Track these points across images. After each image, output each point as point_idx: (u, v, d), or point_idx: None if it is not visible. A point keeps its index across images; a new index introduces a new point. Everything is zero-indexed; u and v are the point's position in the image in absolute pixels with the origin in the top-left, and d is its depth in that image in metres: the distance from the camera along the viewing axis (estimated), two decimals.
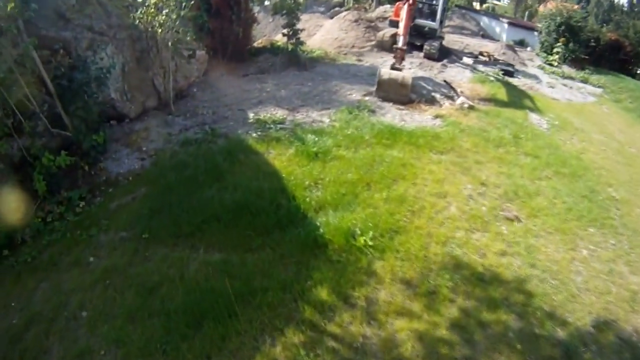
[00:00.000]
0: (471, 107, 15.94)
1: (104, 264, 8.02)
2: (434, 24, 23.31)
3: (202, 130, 12.67)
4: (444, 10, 23.90)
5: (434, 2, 24.05)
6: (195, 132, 12.56)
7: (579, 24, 29.21)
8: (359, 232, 8.36)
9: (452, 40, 27.49)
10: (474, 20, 38.76)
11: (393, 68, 16.01)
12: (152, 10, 12.48)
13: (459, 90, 17.76)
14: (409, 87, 15.48)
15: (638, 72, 33.89)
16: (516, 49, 29.11)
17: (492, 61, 24.07)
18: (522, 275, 7.92)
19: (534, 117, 17.02)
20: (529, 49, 32.47)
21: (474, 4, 54.91)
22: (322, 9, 39.62)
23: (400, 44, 16.11)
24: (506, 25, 38.03)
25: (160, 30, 12.70)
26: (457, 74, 20.26)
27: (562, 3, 31.76)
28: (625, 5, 65.03)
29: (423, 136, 13.02)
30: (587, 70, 28.46)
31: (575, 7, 31.21)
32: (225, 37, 19.10)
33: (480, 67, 22.61)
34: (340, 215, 8.84)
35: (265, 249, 8.05)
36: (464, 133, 13.83)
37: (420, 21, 22.65)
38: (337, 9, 38.13)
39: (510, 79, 21.89)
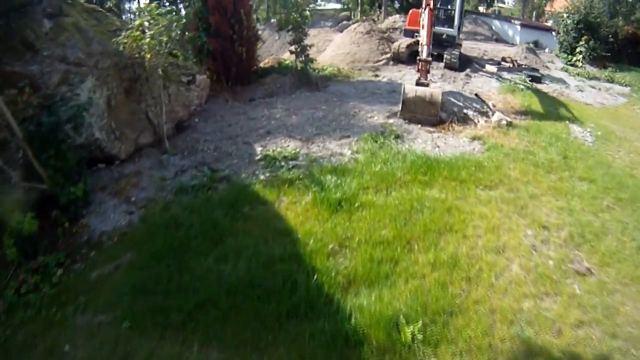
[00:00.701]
0: (509, 124, 13.27)
1: (80, 357, 6.28)
2: (452, 31, 20.59)
3: (201, 172, 10.35)
4: (461, 15, 21.14)
5: (450, 6, 21.37)
6: (193, 175, 10.25)
7: (598, 20, 26.36)
8: (403, 319, 6.15)
9: (468, 47, 24.77)
10: (485, 25, 36.13)
11: (418, 83, 13.41)
12: (137, 33, 10.45)
13: (491, 103, 15.02)
14: (438, 105, 12.87)
15: None
16: (538, 51, 26.25)
17: (516, 67, 21.36)
18: (604, 351, 6.13)
19: (575, 128, 14.50)
20: (547, 50, 29.80)
21: (480, 8, 52.02)
22: (329, 24, 37.17)
23: (424, 54, 13.59)
24: (519, 28, 35.48)
25: (149, 55, 10.57)
26: (484, 84, 17.57)
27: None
28: None
29: (465, 167, 10.45)
30: (610, 69, 26.18)
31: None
32: (228, 58, 16.60)
33: (505, 74, 19.92)
34: (377, 295, 6.62)
35: (278, 348, 5.93)
36: (509, 158, 11.28)
37: (437, 28, 19.86)
38: (345, 22, 35.67)
39: (539, 85, 19.32)
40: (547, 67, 23.94)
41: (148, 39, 10.35)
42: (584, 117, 16.02)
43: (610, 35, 27.56)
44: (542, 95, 17.51)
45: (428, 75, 13.68)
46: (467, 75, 18.68)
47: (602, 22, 26.76)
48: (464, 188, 9.58)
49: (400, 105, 13.11)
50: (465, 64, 20.66)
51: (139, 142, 11.28)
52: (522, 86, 17.68)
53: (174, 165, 10.76)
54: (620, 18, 29.49)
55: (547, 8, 56.03)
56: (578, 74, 23.42)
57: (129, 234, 8.59)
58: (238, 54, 16.72)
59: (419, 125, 12.95)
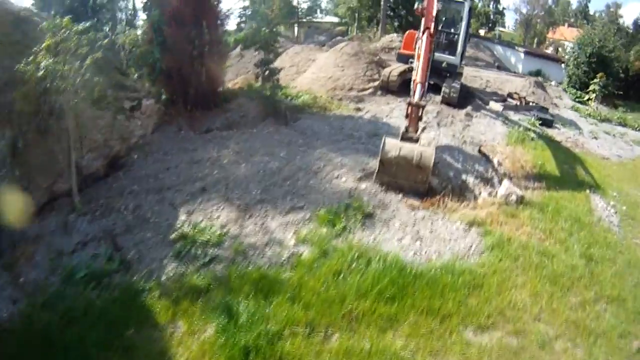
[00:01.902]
0: (520, 201, 9.25)
1: None
2: (454, 59, 16.24)
3: (104, 249, 7.43)
4: (466, 40, 16.79)
5: (453, 30, 17.12)
6: (91, 254, 7.36)
7: (612, 54, 22.16)
8: None
9: (469, 76, 20.48)
10: (487, 50, 31.98)
11: (404, 137, 9.32)
12: (43, 57, 7.70)
13: (496, 160, 10.86)
14: (429, 170, 8.84)
15: None
16: (544, 84, 22.03)
17: (524, 105, 17.12)
18: None
19: (597, 202, 10.67)
20: (553, 83, 25.63)
21: (480, 31, 47.74)
22: (323, 38, 32.91)
23: (416, 96, 9.57)
24: (522, 55, 31.35)
25: (63, 84, 7.70)
26: (488, 129, 13.43)
27: (581, 29, 24.86)
28: (631, 27, 57.75)
29: (453, 287, 6.64)
30: (620, 108, 22.48)
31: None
32: (186, 78, 12.51)
33: (512, 114, 15.80)
34: None
35: None
36: (517, 267, 7.40)
37: (437, 55, 15.45)
38: (339, 37, 31.44)
39: (550, 131, 15.31)
40: (555, 104, 19.80)
41: (60, 65, 7.68)
42: (604, 178, 12.37)
43: (621, 71, 23.34)
44: (556, 148, 13.43)
45: (419, 123, 9.44)
46: (467, 114, 14.42)
47: (616, 56, 22.54)
48: (445, 331, 5.93)
49: (377, 166, 8.91)
50: (465, 98, 16.39)
51: (56, 189, 8.66)
52: (532, 134, 13.48)
53: (78, 232, 7.87)
54: (632, 53, 25.32)
55: (549, 35, 52.04)
56: (589, 115, 19.55)
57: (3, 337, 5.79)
58: (197, 74, 12.61)
59: (400, 195, 8.92)
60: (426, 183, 8.88)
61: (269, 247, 7.28)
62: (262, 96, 12.98)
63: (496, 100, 16.75)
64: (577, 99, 22.30)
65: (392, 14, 33.89)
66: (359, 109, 13.87)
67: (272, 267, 6.88)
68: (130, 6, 32.87)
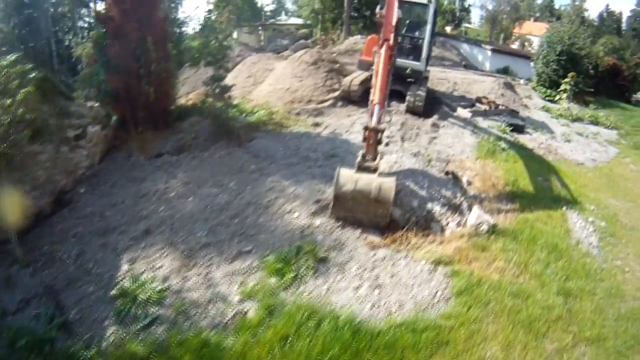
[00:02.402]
0: (492, 230, 8.32)
1: None
2: (419, 64, 15.22)
3: (44, 309, 6.52)
4: (431, 44, 15.77)
5: (418, 33, 16.08)
6: (34, 313, 6.53)
7: (582, 52, 21.46)
8: None
9: (435, 78, 19.57)
10: (454, 49, 31.24)
11: (361, 167, 8.14)
12: None
13: (465, 180, 9.87)
14: (389, 204, 7.79)
15: (633, 97, 28.09)
16: (513, 83, 21.23)
17: (493, 109, 16.18)
18: None
19: (575, 220, 9.83)
20: (522, 81, 24.95)
21: (447, 28, 47.07)
22: (286, 42, 31.73)
23: (373, 120, 8.39)
24: (489, 53, 30.79)
25: None
26: (456, 140, 12.50)
27: (547, 24, 24.22)
28: (596, 20, 58.01)
29: (413, 348, 5.70)
30: (591, 106, 22.06)
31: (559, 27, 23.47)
32: (134, 99, 11.27)
33: (481, 120, 14.93)
34: None
35: None
36: (488, 314, 6.48)
37: (400, 61, 14.47)
38: (302, 41, 30.31)
39: (522, 137, 14.58)
40: (526, 105, 19.08)
41: None
42: (581, 190, 11.64)
43: (591, 68, 22.71)
44: (528, 158, 12.61)
45: (378, 148, 8.33)
46: (434, 125, 13.43)
47: (586, 53, 21.86)
48: None
49: (332, 201, 7.82)
50: (432, 104, 15.43)
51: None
52: (503, 144, 12.57)
53: (21, 288, 6.97)
54: (601, 48, 24.75)
55: (516, 30, 51.70)
56: (561, 115, 18.96)
57: None
58: (145, 94, 11.35)
59: (358, 232, 7.89)
60: (387, 217, 7.88)
61: (212, 305, 6.30)
62: (214, 116, 11.64)
63: (464, 106, 15.82)
64: (547, 98, 21.82)
65: (356, 14, 32.83)
66: (317, 124, 12.75)
67: (215, 331, 5.91)
68: (93, 14, 31.29)
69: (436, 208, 8.54)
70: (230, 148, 11.16)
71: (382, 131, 8.19)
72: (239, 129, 11.81)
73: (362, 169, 7.96)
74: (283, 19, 43.65)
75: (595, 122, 19.30)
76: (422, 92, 14.20)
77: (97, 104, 11.43)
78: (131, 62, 11.03)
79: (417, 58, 15.23)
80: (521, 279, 7.30)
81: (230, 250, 7.36)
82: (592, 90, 23.19)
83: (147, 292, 6.50)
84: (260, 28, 41.32)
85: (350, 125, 12.80)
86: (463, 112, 14.93)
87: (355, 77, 14.87)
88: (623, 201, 11.86)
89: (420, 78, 15.21)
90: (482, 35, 52.93)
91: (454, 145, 12.09)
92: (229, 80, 16.93)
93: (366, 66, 15.02)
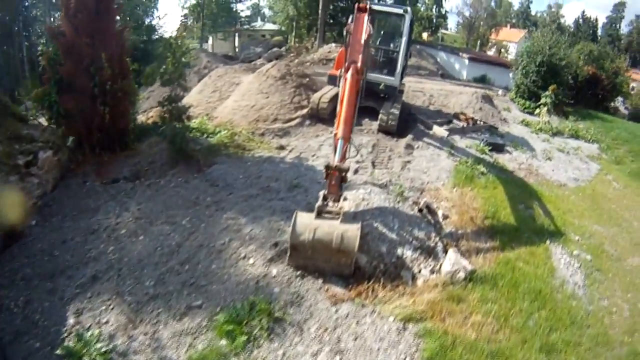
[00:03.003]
0: (470, 277, 7.52)
1: None
2: (393, 80, 14.37)
3: None
4: (407, 57, 14.84)
5: (392, 45, 15.25)
6: None
7: (562, 62, 20.86)
8: None
9: (411, 90, 18.82)
10: (431, 58, 30.51)
11: (322, 212, 7.14)
12: None
13: (441, 213, 9.01)
14: (353, 254, 6.89)
15: (612, 105, 27.96)
16: (491, 95, 20.52)
17: (471, 125, 15.33)
18: None
19: (559, 256, 9.19)
20: (500, 92, 24.31)
21: (423, 34, 46.48)
22: (259, 49, 30.72)
23: (336, 158, 7.40)
24: (467, 61, 30.19)
25: None
26: (431, 165, 11.67)
27: (532, 33, 23.69)
28: (572, 26, 58.25)
29: None
30: (571, 117, 21.55)
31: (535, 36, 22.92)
32: (88, 120, 10.37)
33: (459, 139, 14.12)
34: None
35: None
36: None
37: (373, 76, 13.57)
38: (275, 49, 29.34)
39: (501, 157, 13.91)
40: (504, 120, 18.40)
41: None
42: (564, 216, 11.09)
43: (570, 78, 22.14)
44: (509, 182, 11.87)
45: (340, 190, 7.35)
46: (408, 146, 12.57)
47: (566, 64, 21.26)
48: None
49: (289, 251, 6.86)
50: (406, 121, 14.62)
51: None
52: (482, 167, 11.80)
53: None
54: (578, 55, 24.25)
55: (493, 36, 51.48)
56: (541, 129, 18.33)
57: None
58: (100, 115, 10.48)
59: (320, 281, 7.01)
60: (351, 266, 7.01)
61: None
62: (171, 141, 10.58)
63: (441, 123, 15.00)
64: (526, 110, 21.20)
65: (331, 21, 31.90)
66: (282, 147, 11.79)
67: None
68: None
69: (407, 253, 7.62)
70: (188, 174, 10.26)
71: (347, 170, 7.18)
72: (199, 153, 10.93)
73: (322, 213, 6.97)
74: (259, 24, 42.53)
75: (575, 136, 18.83)
76: (395, 111, 13.33)
77: (50, 125, 10.54)
78: (85, 81, 10.15)
79: (392, 73, 14.39)
80: (501, 335, 6.52)
81: (179, 305, 6.49)
82: (572, 101, 22.59)
83: (92, 353, 5.72)
84: (236, 34, 40.24)
85: (317, 147, 11.90)
86: (439, 131, 14.08)
87: (325, 94, 13.94)
88: (608, 226, 11.39)
89: (394, 94, 14.31)
90: (458, 42, 52.65)
91: (429, 170, 11.24)
92: (193, 94, 15.93)
93: (336, 81, 14.09)
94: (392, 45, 15.33)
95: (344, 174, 7.28)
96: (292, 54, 27.58)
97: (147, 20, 27.83)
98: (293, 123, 13.23)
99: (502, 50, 52.03)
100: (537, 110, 19.61)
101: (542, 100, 19.32)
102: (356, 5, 9.22)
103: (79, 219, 8.74)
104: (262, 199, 9.15)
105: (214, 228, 8.17)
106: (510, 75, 24.95)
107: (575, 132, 19.02)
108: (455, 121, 15.81)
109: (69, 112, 10.20)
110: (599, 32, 62.25)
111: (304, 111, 13.73)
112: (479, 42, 49.21)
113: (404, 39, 14.13)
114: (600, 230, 10.90)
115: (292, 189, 9.46)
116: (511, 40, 54.47)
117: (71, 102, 10.09)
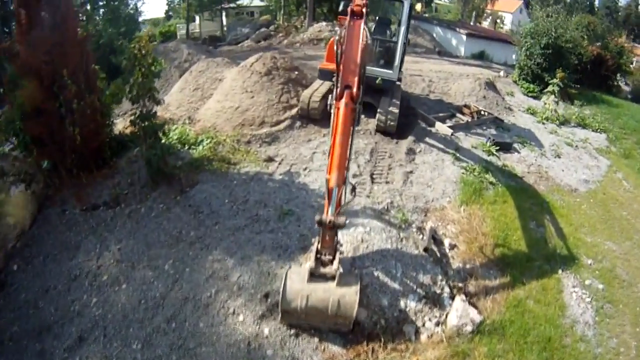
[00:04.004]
0: (478, 330, 6.86)
1: None
2: (391, 73, 13.00)
3: None
4: (405, 46, 13.43)
5: (389, 32, 14.12)
6: None
7: (569, 45, 19.71)
8: None
9: (409, 73, 17.74)
10: (427, 34, 29.23)
11: (315, 274, 6.19)
12: None
13: (447, 243, 8.26)
14: (351, 319, 6.17)
15: (616, 84, 26.97)
16: (493, 79, 19.41)
17: (476, 119, 14.38)
18: None
19: (570, 289, 8.48)
20: (502, 73, 23.18)
21: (417, 6, 44.78)
22: (247, 30, 29.21)
23: (329, 211, 6.11)
24: (464, 37, 28.92)
25: None
26: (435, 175, 10.81)
27: (537, 12, 22.41)
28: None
29: None
30: (576, 101, 20.76)
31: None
32: (60, 143, 9.47)
33: (463, 137, 13.30)
34: None
35: None
36: None
37: (369, 69, 12.25)
38: (263, 29, 27.87)
39: (509, 158, 12.92)
40: (509, 108, 17.37)
41: None
42: (576, 234, 10.27)
43: (575, 60, 21.05)
44: (519, 193, 10.96)
45: (335, 253, 6.32)
46: (409, 150, 11.61)
47: (573, 46, 20.11)
48: None
49: (280, 313, 6.07)
50: (406, 116, 13.48)
51: None
52: (490, 176, 11.01)
53: None
54: (585, 38, 23.12)
55: (489, 7, 49.89)
56: (547, 119, 17.34)
57: None
58: (71, 136, 9.44)
59: (316, 340, 6.37)
60: (349, 325, 6.29)
61: None
62: (148, 161, 9.54)
63: (443, 119, 13.96)
64: (529, 94, 20.22)
65: None
66: (270, 159, 10.76)
67: None
68: None
69: (411, 305, 6.84)
70: (169, 198, 9.39)
71: (343, 226, 6.12)
72: (180, 171, 10.07)
73: (315, 275, 6.00)
74: (246, 1, 40.58)
75: (582, 125, 18.02)
76: (395, 109, 12.22)
77: (20, 154, 9.73)
78: (49, 102, 9.22)
79: (389, 65, 13.10)
80: None
81: None
82: (578, 85, 21.55)
83: None
84: (223, 13, 38.45)
85: (309, 157, 10.92)
86: (443, 128, 13.07)
87: (316, 91, 12.76)
88: (620, 240, 10.68)
89: (393, 88, 13.13)
90: (452, 12, 51.05)
91: (434, 182, 10.32)
92: (174, 93, 14.77)
93: (329, 75, 12.93)
94: (388, 34, 14.06)
95: (334, 236, 6.24)
96: (280, 35, 26.27)
97: (125, 10, 26.54)
98: (282, 126, 12.13)
99: (498, 21, 50.54)
100: (544, 97, 18.53)
101: (550, 88, 18.21)
102: (349, 9, 7.38)
103: (61, 260, 8.21)
104: (250, 231, 8.31)
105: (199, 274, 7.45)
106: (514, 57, 23.83)
107: (582, 120, 18.19)
108: (458, 116, 14.74)
109: (37, 138, 9.35)
110: (596, 2, 60.56)
111: (294, 111, 12.61)
112: (474, 13, 47.55)
113: (403, 28, 12.80)
114: (612, 249, 10.18)
115: (283, 217, 8.57)
116: (507, 11, 53.05)
117: (38, 127, 9.24)
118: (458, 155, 11.78)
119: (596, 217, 11.38)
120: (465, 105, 15.32)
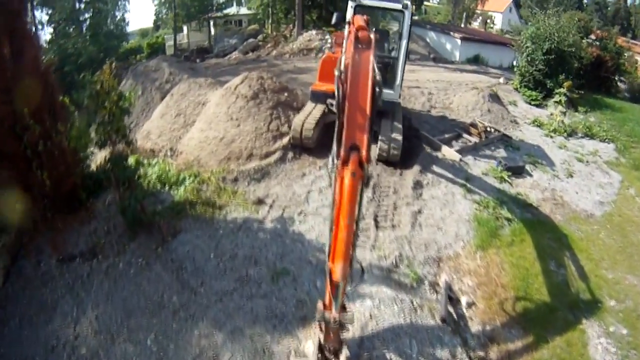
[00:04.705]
0: None
1: None
2: (392, 94, 11.91)
3: None
4: (405, 61, 12.04)
5: (387, 45, 12.88)
6: None
7: (572, 50, 18.73)
8: None
9: (407, 86, 16.53)
10: (421, 40, 28.28)
11: None
12: None
13: (465, 302, 7.40)
14: None
15: (614, 83, 25.84)
16: (495, 89, 18.41)
17: (484, 139, 13.48)
18: None
19: (595, 341, 7.63)
20: (502, 79, 22.21)
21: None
22: (234, 41, 28.05)
23: (334, 309, 4.88)
24: (459, 42, 28.07)
25: None
26: (446, 213, 9.82)
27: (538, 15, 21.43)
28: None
29: None
30: (580, 108, 19.68)
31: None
32: (30, 188, 8.52)
33: (472, 163, 12.20)
34: None
35: None
36: None
37: None
38: (251, 40, 26.73)
39: (521, 184, 11.87)
40: (515, 121, 16.39)
41: None
42: (597, 270, 9.39)
43: (576, 63, 20.14)
44: (535, 227, 10.01)
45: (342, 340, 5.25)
46: (416, 184, 10.53)
47: (577, 50, 19.17)
48: None
49: None
50: (409, 140, 12.10)
51: None
52: (505, 211, 10.06)
53: None
54: (585, 39, 22.21)
55: (479, 7, 49.08)
56: (555, 131, 16.37)
57: None
58: (39, 180, 8.49)
59: None
60: None
61: None
62: (123, 210, 8.55)
63: (449, 140, 12.93)
64: (532, 101, 19.32)
65: (310, 2, 28.95)
66: (260, 202, 9.58)
67: None
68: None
69: None
70: (149, 251, 8.35)
71: (350, 323, 4.99)
72: (160, 218, 8.99)
73: None
74: (234, 10, 39.45)
75: (590, 135, 17.08)
76: (398, 136, 11.07)
77: None
78: (12, 145, 8.17)
79: (390, 85, 11.86)
80: None
81: None
82: (582, 92, 20.58)
83: None
84: (211, 22, 37.41)
85: (304, 197, 9.80)
86: (450, 153, 12.02)
87: (308, 116, 11.53)
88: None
89: (394, 111, 11.97)
90: (442, 14, 50.24)
91: (445, 222, 9.28)
92: (155, 119, 13.65)
93: (322, 97, 11.77)
94: (386, 47, 12.89)
95: (338, 333, 5.10)
96: (269, 45, 25.12)
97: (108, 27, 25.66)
98: (272, 159, 10.97)
99: (488, 21, 49.76)
100: (550, 108, 17.58)
101: (557, 98, 17.22)
102: (352, 35, 5.50)
103: (38, 323, 7.38)
104: (239, 295, 7.31)
105: (185, 352, 6.49)
106: (514, 62, 22.90)
107: (589, 130, 17.27)
108: (465, 136, 13.67)
109: (3, 185, 8.17)
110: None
111: (285, 140, 11.45)
112: (464, 14, 46.62)
113: (404, 42, 11.63)
114: (634, 283, 9.32)
115: (277, 277, 7.52)
116: (496, 10, 52.41)
117: (3, 173, 8.16)
118: (469, 186, 10.75)
119: (615, 247, 10.46)
120: (472, 124, 14.21)
